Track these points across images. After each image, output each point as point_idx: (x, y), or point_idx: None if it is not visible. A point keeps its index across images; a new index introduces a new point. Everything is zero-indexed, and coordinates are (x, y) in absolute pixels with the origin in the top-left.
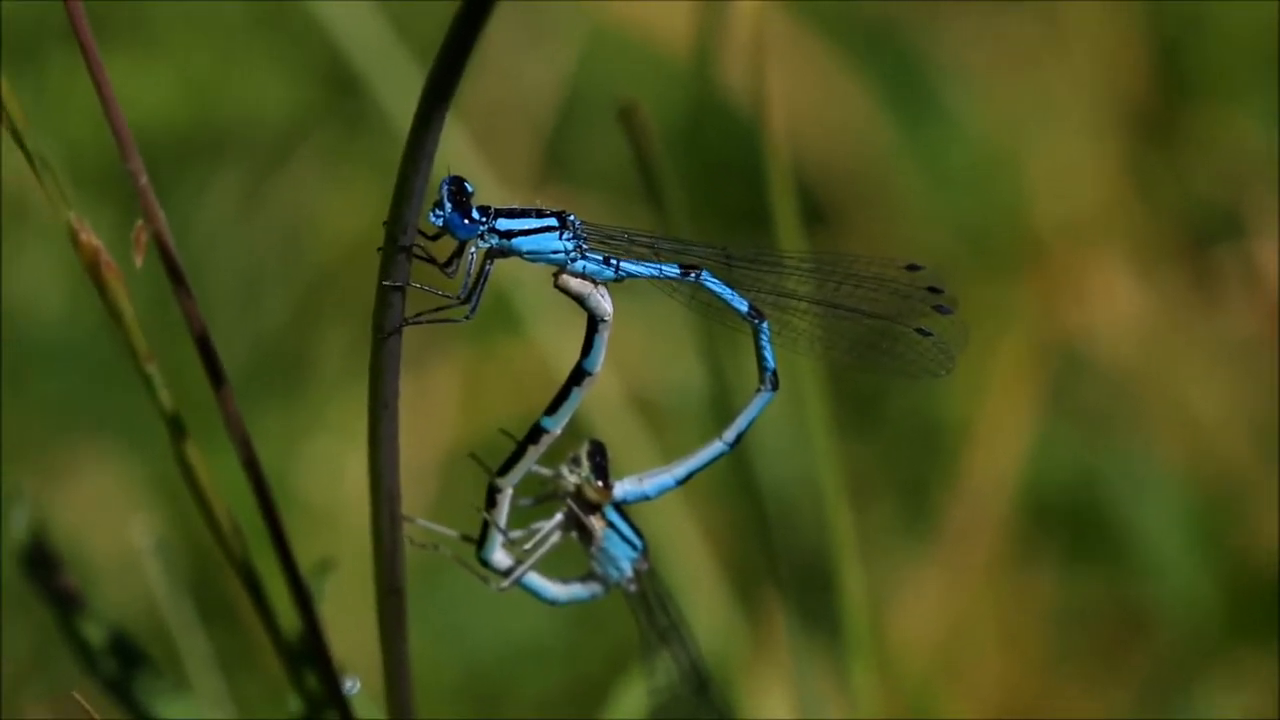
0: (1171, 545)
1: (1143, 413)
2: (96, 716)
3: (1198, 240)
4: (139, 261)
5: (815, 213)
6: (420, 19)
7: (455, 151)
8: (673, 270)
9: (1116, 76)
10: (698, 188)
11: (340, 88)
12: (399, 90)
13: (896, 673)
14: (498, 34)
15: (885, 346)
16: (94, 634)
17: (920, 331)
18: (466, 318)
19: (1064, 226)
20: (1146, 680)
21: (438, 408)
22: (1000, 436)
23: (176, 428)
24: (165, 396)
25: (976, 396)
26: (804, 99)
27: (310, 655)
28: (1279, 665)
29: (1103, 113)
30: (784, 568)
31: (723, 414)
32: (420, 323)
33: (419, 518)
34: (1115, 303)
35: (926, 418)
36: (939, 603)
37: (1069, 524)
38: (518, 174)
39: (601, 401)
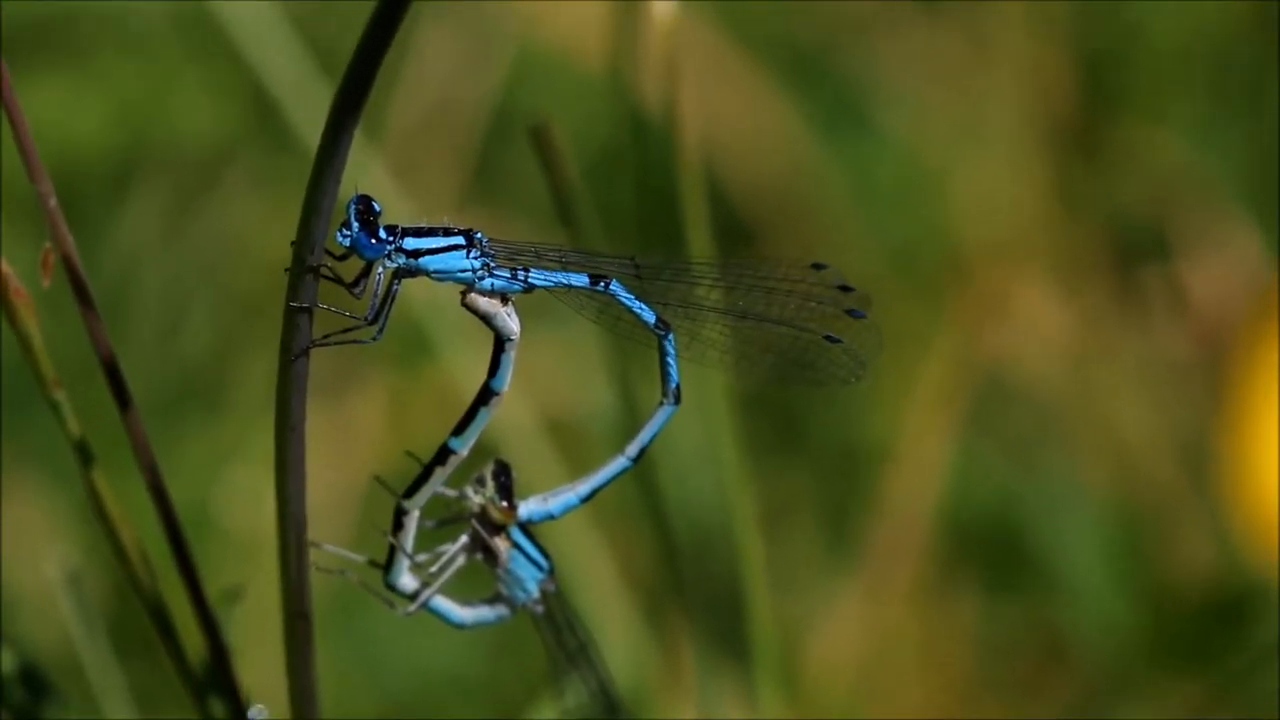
0: (1093, 570)
1: (1066, 435)
2: None
3: (1123, 259)
4: (46, 283)
5: (741, 233)
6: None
7: (376, 177)
8: (581, 280)
9: (1043, 94)
10: (620, 209)
11: (268, 114)
12: (319, 112)
13: (815, 698)
14: (422, 57)
15: (795, 355)
16: (6, 669)
17: (829, 339)
18: (374, 338)
19: (989, 246)
20: (1068, 706)
21: (360, 435)
22: (922, 459)
23: (84, 454)
24: (73, 423)
25: (898, 419)
26: (732, 120)
27: (218, 685)
28: (1201, 691)
29: (1029, 131)
30: (691, 592)
31: (631, 434)
32: (328, 344)
33: (326, 543)
34: (1040, 323)
35: (848, 440)
36: (860, 627)
37: (991, 548)
38: (442, 198)
39: (513, 425)
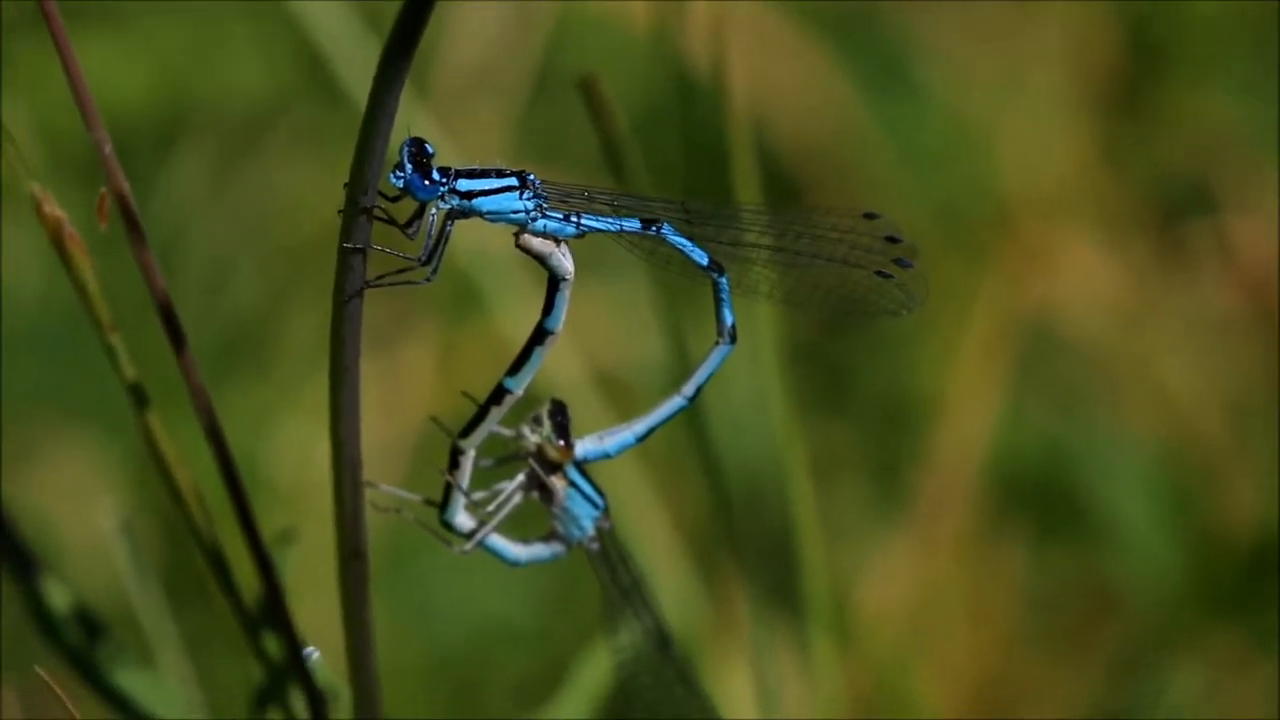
0: (1142, 521)
1: (1113, 388)
2: (61, 693)
3: (1169, 215)
4: (104, 226)
5: (788, 191)
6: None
7: (425, 132)
8: (633, 224)
9: (1087, 52)
10: (667, 170)
11: (316, 68)
12: (368, 69)
13: (864, 646)
14: (467, 16)
15: (845, 291)
16: (59, 612)
17: (880, 274)
18: (428, 279)
19: (1035, 202)
20: (1115, 655)
21: (410, 385)
22: (970, 412)
23: (139, 398)
24: (128, 367)
25: (947, 371)
26: (777, 79)
27: (272, 624)
28: (1247, 640)
29: (1074, 88)
30: (743, 542)
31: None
32: (383, 285)
33: (382, 484)
34: (1086, 278)
35: (897, 393)
36: (908, 577)
37: (1039, 499)
38: (488, 156)
39: (564, 378)
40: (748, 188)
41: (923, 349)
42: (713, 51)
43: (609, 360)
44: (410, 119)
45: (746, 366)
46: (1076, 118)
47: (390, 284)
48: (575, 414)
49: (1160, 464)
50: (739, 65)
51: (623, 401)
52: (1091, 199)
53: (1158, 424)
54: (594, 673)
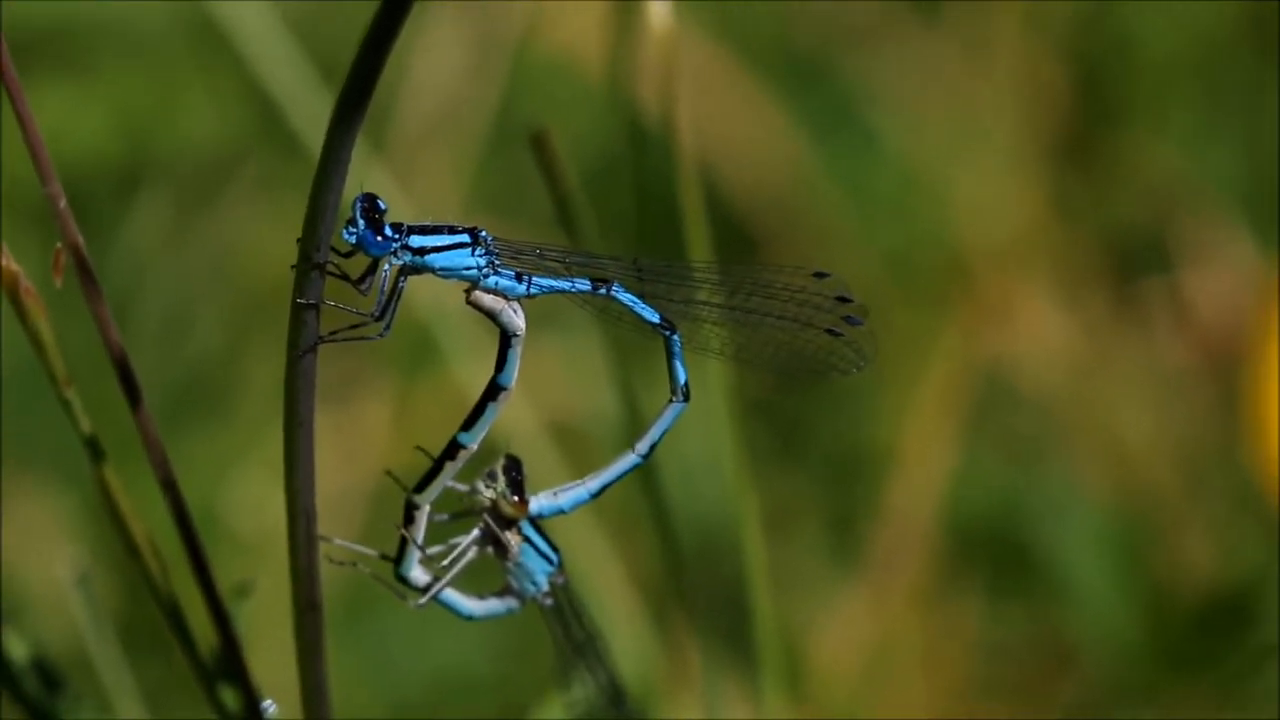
0: (1095, 574)
1: (1067, 441)
2: None
3: (1123, 267)
4: (58, 282)
5: (743, 241)
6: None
7: (380, 183)
8: (584, 284)
9: (1040, 103)
10: (620, 217)
11: (273, 117)
12: (324, 119)
13: (819, 699)
14: (422, 66)
15: (796, 348)
16: (17, 662)
17: (830, 332)
18: (381, 334)
19: (989, 253)
20: (1070, 709)
21: (367, 438)
22: (924, 464)
23: (95, 451)
24: (84, 421)
25: (901, 424)
26: (732, 131)
27: (229, 676)
28: (1202, 694)
29: (1027, 140)
30: (697, 594)
31: (640, 432)
32: (336, 340)
33: (336, 538)
34: (1040, 330)
35: (851, 445)
36: (863, 628)
37: (993, 552)
38: (444, 206)
39: (517, 430)
40: (699, 240)
41: (877, 401)
42: (662, 101)
43: (563, 411)
44: (364, 172)
45: (700, 419)
46: (1030, 168)
47: (344, 339)
48: (530, 464)
49: (1114, 517)
50: (692, 114)
51: (577, 451)
52: (1045, 250)
53: (1111, 477)
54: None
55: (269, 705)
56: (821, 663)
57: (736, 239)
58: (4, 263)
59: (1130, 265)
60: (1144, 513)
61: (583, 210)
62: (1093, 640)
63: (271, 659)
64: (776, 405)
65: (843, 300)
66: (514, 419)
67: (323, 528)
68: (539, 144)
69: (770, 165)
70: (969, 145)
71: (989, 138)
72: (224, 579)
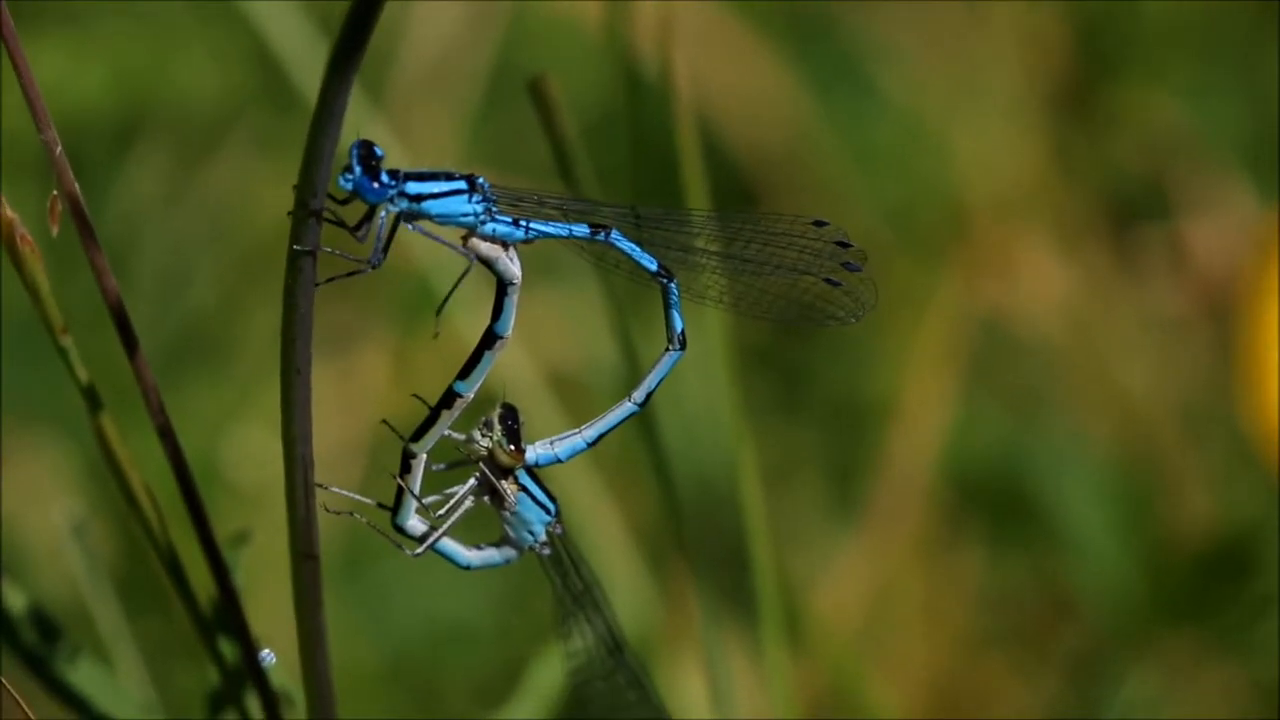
0: (1096, 524)
1: (1067, 390)
2: (15, 694)
3: (1122, 217)
4: (54, 229)
5: (743, 194)
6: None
7: (375, 133)
8: (582, 230)
9: (1040, 55)
10: (618, 172)
11: (271, 71)
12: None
13: (819, 649)
14: (420, 18)
15: (795, 296)
16: (15, 613)
17: (829, 281)
18: (373, 267)
19: (989, 204)
20: (1072, 659)
21: (364, 389)
22: (925, 414)
23: (92, 399)
24: (81, 370)
25: (901, 374)
26: (732, 83)
27: (227, 628)
28: (1201, 642)
29: (1027, 90)
30: (696, 546)
31: (637, 380)
32: (332, 282)
33: (333, 486)
34: (1040, 280)
35: (851, 396)
36: (864, 581)
37: (994, 502)
38: (440, 160)
39: (515, 379)
40: (696, 189)
41: (877, 352)
42: (660, 52)
43: (561, 360)
44: (361, 121)
45: (699, 367)
46: (1030, 120)
47: (340, 279)
48: (527, 414)
49: (1114, 466)
50: (690, 67)
51: (575, 400)
52: (1046, 201)
53: (1112, 426)
54: (548, 674)
55: (268, 656)
56: (821, 614)
57: (736, 192)
58: (1, 211)
59: (1129, 216)
60: (1143, 462)
61: (581, 158)
62: (1093, 590)
63: (270, 610)
64: (775, 354)
65: (842, 245)
66: (511, 368)
67: (321, 478)
68: (537, 90)
69: (770, 119)
70: (969, 98)
71: (989, 90)
72: (222, 531)
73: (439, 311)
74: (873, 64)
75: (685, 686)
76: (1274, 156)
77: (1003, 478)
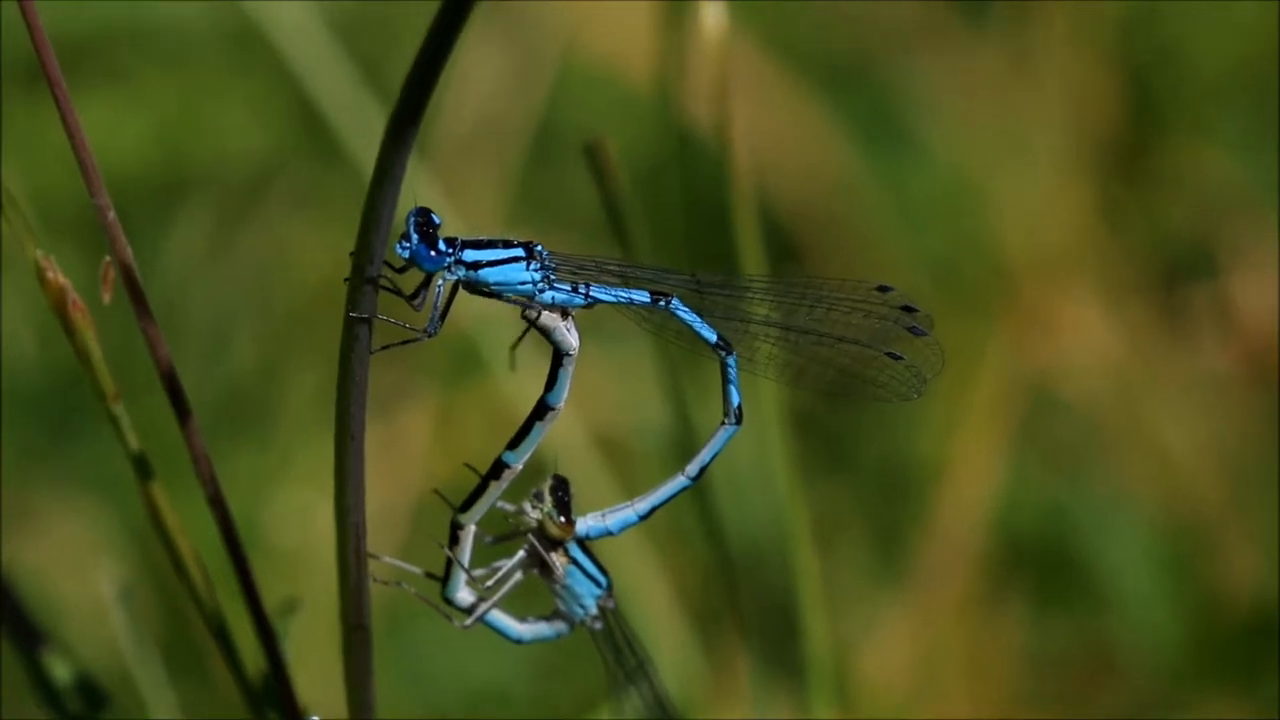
0: (1141, 584)
1: (1114, 450)
2: None
3: (1169, 276)
4: (107, 297)
5: (787, 250)
6: (391, 61)
7: (423, 189)
8: (643, 297)
9: (1087, 110)
10: (669, 228)
11: (312, 128)
12: (367, 129)
13: (865, 711)
14: (467, 74)
15: (856, 370)
16: (59, 679)
17: (891, 355)
18: (429, 335)
19: (1035, 262)
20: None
21: (409, 451)
22: (971, 475)
23: (142, 466)
24: (131, 436)
25: (948, 434)
26: (776, 137)
27: (274, 695)
28: (1248, 707)
29: (1074, 146)
30: (747, 608)
31: (688, 453)
32: (388, 350)
33: (385, 555)
34: (1087, 339)
35: (898, 457)
36: (910, 642)
37: (1039, 562)
38: (487, 214)
39: (565, 442)
40: (751, 250)
41: (924, 411)
42: (715, 109)
43: (609, 423)
44: (411, 180)
45: (749, 429)
46: (1075, 176)
47: (396, 346)
48: (576, 476)
49: (1160, 527)
50: (737, 121)
51: (622, 464)
52: (1092, 259)
53: (1158, 487)
54: None
55: None
56: (867, 675)
57: (780, 246)
58: (51, 276)
59: (1176, 274)
60: (1190, 523)
61: (634, 216)
62: (1138, 650)
63: (314, 673)
64: (822, 414)
65: (908, 310)
66: (559, 429)
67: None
68: (593, 153)
69: (815, 172)
70: (1014, 151)
71: (1034, 146)
72: (267, 595)
73: (514, 347)
74: (917, 119)
75: None
76: None
77: (1048, 538)
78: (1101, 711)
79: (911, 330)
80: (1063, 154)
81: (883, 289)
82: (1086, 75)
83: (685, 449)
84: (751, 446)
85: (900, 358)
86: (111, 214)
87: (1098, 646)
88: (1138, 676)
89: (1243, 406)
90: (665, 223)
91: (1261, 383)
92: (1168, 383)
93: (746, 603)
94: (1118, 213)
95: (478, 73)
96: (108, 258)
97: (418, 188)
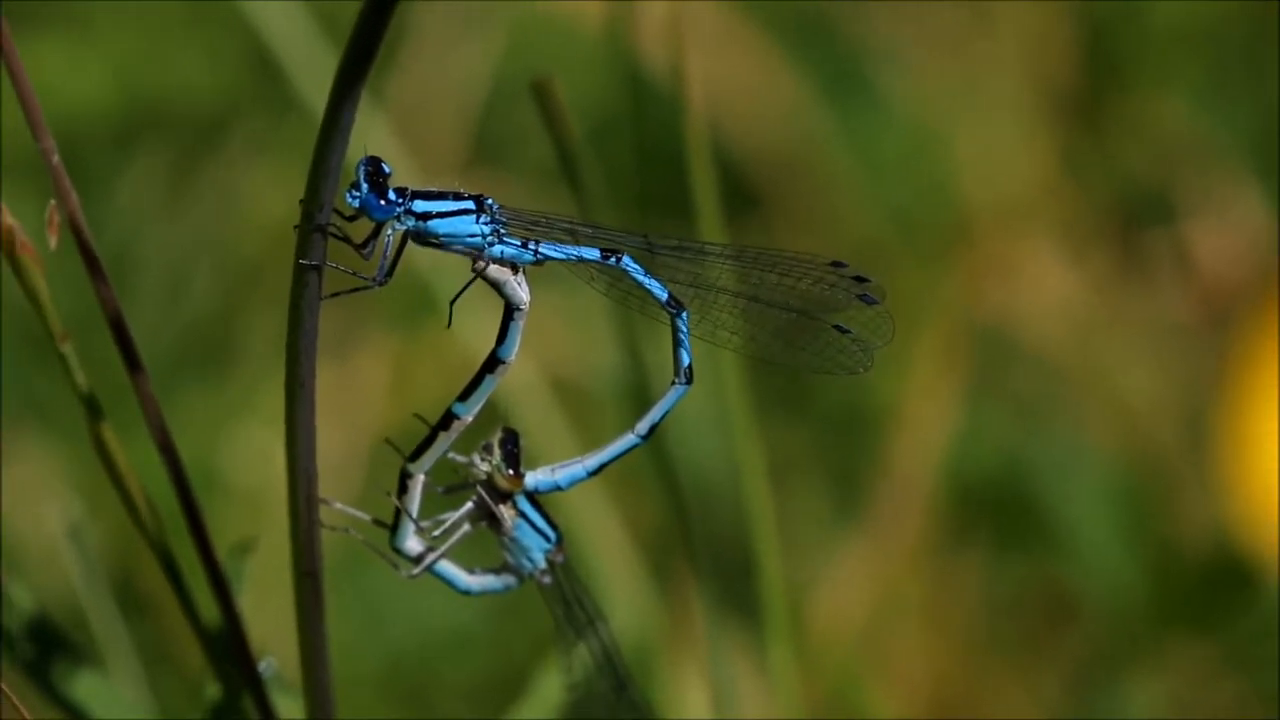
0: (1099, 531)
1: (1071, 397)
2: (12, 695)
3: (1128, 224)
4: (53, 242)
5: (747, 197)
6: (348, 11)
7: (379, 139)
8: (593, 254)
9: (1046, 60)
10: (621, 176)
11: (269, 74)
12: (322, 75)
13: (821, 657)
14: (423, 22)
15: (803, 343)
16: (13, 616)
17: (838, 328)
18: (380, 284)
19: (994, 210)
20: (1074, 665)
21: (364, 396)
22: (928, 421)
23: (92, 408)
24: (81, 377)
25: (904, 381)
26: (736, 86)
27: (227, 638)
28: (1205, 651)
29: (1032, 96)
30: (701, 552)
31: (643, 397)
32: (337, 297)
33: (336, 501)
34: (1045, 287)
35: (854, 402)
36: (866, 588)
37: (996, 509)
38: (443, 160)
39: (518, 387)
40: (706, 199)
41: (882, 357)
42: (670, 56)
43: (563, 367)
44: (364, 128)
45: (705, 372)
46: (1035, 125)
47: (345, 293)
48: (527, 423)
49: (1118, 473)
50: (694, 69)
51: (576, 408)
52: (1051, 207)
53: (1115, 433)
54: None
55: (267, 665)
56: (823, 619)
57: (738, 195)
58: (1, 219)
59: (1135, 221)
60: (1148, 468)
61: (586, 161)
62: (1095, 596)
63: (271, 614)
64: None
65: (860, 280)
66: (513, 375)
67: (320, 488)
68: (541, 91)
69: (774, 121)
70: (974, 102)
71: (994, 95)
72: (222, 534)
73: (453, 301)
74: (877, 68)
75: (688, 692)
76: (1279, 161)
77: (1006, 483)
78: (1059, 656)
79: (862, 299)
80: (1022, 104)
81: (836, 265)
82: (1045, 25)
83: (639, 394)
84: (708, 389)
85: (847, 331)
86: (56, 157)
87: (1056, 591)
88: (1095, 621)
89: (1200, 352)
90: (622, 172)
91: (1219, 328)
92: (1125, 329)
93: (701, 545)
94: (1077, 161)
95: (432, 24)
96: (53, 201)
97: (372, 136)
